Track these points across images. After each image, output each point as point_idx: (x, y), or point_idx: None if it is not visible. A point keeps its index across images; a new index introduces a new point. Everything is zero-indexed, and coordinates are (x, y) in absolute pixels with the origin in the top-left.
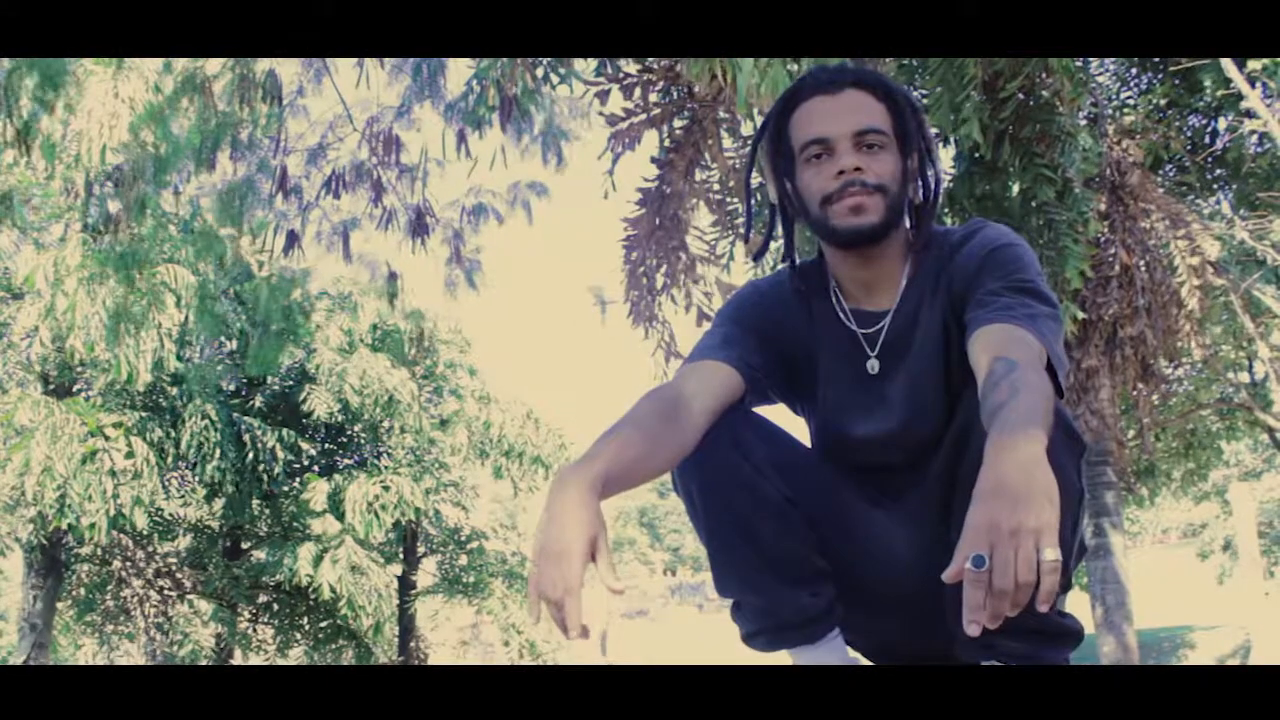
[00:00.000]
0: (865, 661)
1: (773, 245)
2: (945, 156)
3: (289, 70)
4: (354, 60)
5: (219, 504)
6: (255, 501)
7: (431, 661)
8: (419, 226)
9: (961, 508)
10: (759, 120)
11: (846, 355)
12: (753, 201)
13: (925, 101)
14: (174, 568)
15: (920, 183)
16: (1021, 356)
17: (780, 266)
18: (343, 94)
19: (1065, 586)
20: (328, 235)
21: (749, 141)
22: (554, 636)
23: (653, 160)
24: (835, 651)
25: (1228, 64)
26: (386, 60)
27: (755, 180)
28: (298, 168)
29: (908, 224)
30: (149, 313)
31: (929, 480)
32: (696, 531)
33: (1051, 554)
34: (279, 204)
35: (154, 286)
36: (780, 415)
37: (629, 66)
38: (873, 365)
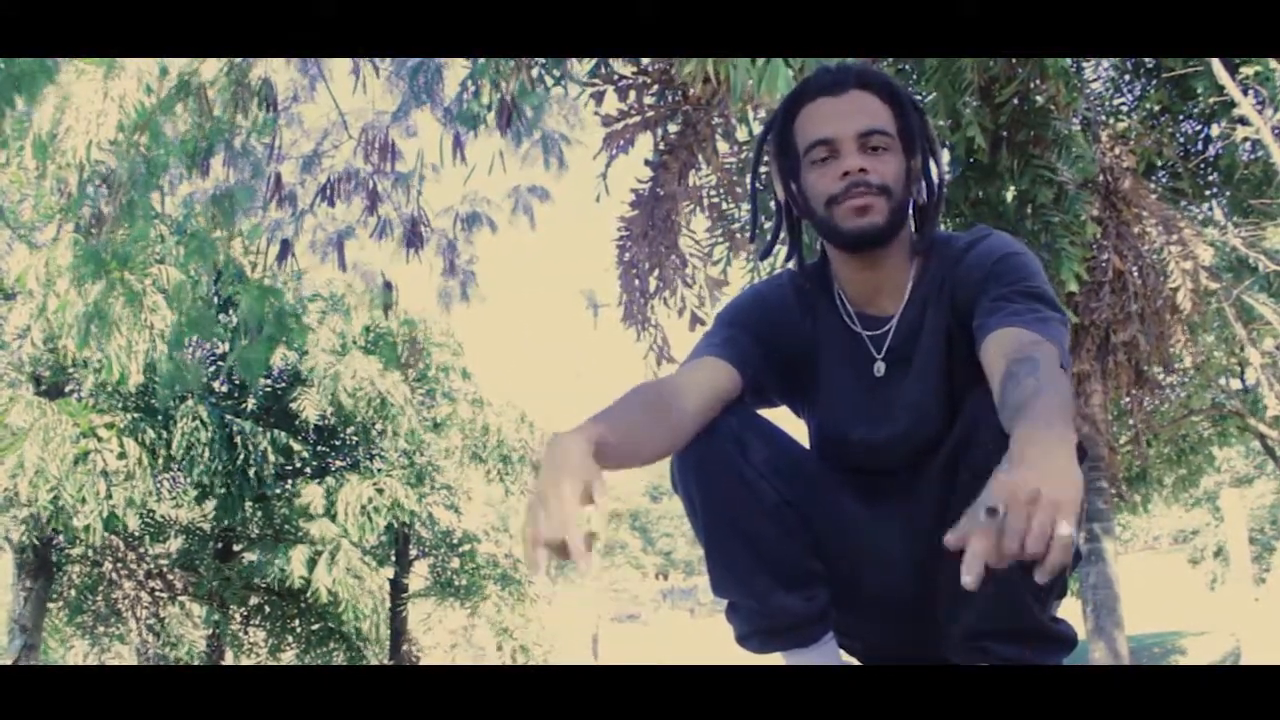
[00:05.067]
0: (857, 664)
1: (777, 248)
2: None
3: (284, 77)
4: (350, 67)
5: (210, 505)
6: (247, 503)
7: (423, 664)
8: (414, 237)
9: (959, 512)
10: (756, 120)
11: (850, 358)
12: (756, 202)
13: (922, 106)
14: (165, 569)
15: (924, 183)
16: (1040, 355)
17: (780, 269)
18: (338, 100)
19: (1061, 592)
20: (322, 245)
21: (745, 145)
22: (546, 639)
23: (646, 163)
24: (829, 654)
25: (1220, 70)
26: (383, 68)
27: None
28: (292, 175)
29: (911, 226)
30: (140, 313)
31: (926, 485)
32: (694, 531)
33: (1066, 529)
34: (273, 211)
35: (144, 287)
36: (780, 416)
37: (624, 68)
38: (879, 369)
